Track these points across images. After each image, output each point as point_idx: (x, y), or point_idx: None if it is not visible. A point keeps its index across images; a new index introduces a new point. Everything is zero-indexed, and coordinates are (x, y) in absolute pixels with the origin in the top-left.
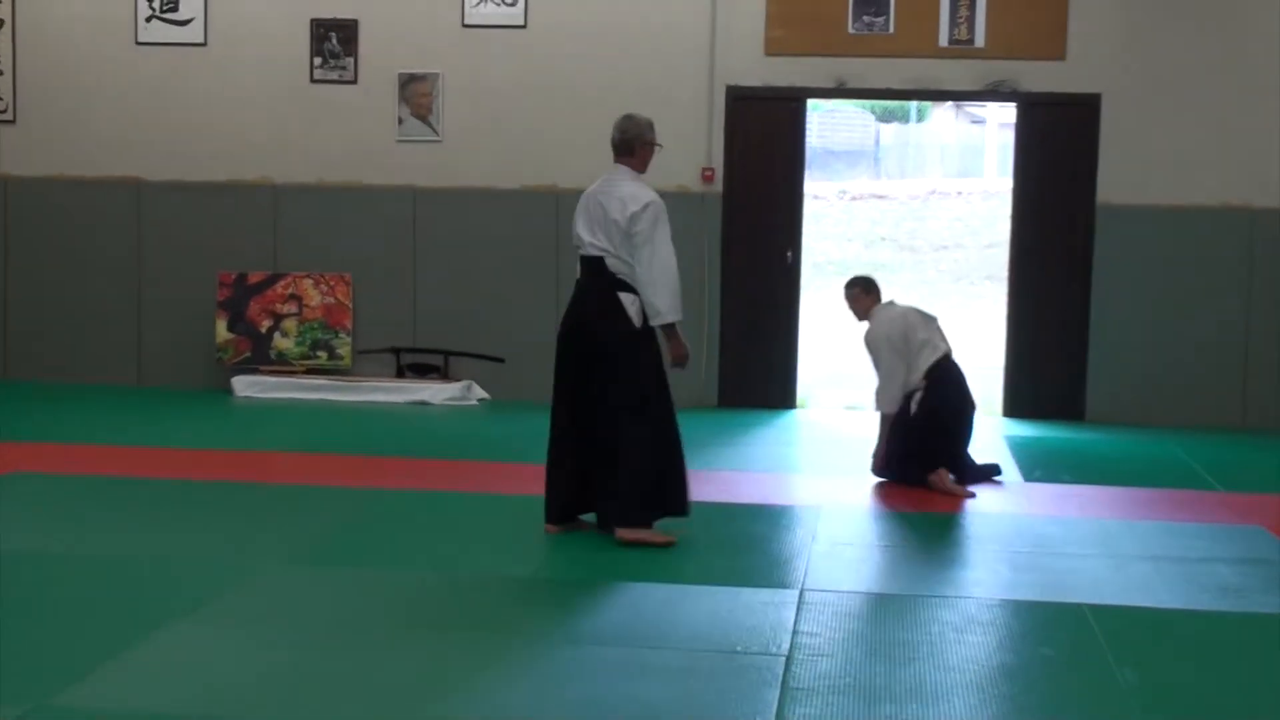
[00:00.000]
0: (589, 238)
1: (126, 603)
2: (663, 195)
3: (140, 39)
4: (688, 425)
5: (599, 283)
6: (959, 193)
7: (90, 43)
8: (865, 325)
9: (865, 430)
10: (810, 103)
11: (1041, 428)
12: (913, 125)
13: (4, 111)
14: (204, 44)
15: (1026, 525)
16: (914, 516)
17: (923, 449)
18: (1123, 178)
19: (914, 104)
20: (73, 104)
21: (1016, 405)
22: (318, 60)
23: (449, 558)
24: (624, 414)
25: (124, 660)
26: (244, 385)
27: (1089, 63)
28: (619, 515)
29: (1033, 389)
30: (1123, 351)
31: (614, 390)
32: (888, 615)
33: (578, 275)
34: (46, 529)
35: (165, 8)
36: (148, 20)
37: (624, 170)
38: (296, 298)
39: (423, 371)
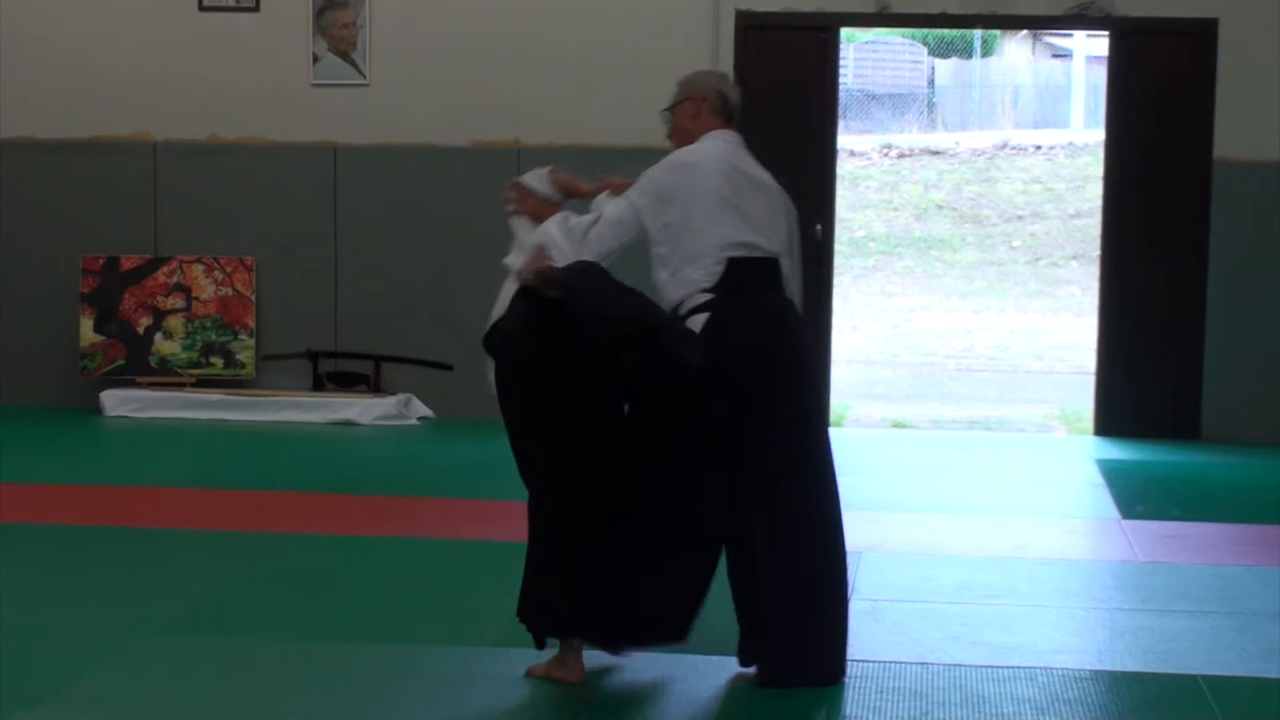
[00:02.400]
0: (770, 231)
1: None
2: (651, 152)
3: None
4: None
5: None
6: (1037, 147)
7: None
8: None
9: (917, 453)
10: (845, 33)
11: (1144, 449)
12: (976, 61)
13: None
14: None
15: (1125, 574)
16: (978, 562)
17: None
18: (1247, 126)
19: (978, 34)
20: None
21: (1112, 421)
22: None
23: (382, 624)
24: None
25: None
26: (116, 402)
27: None
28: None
29: (1133, 401)
30: (1247, 354)
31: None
32: (947, 691)
33: (723, 282)
34: None
35: None
36: None
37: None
38: (184, 289)
39: (348, 382)
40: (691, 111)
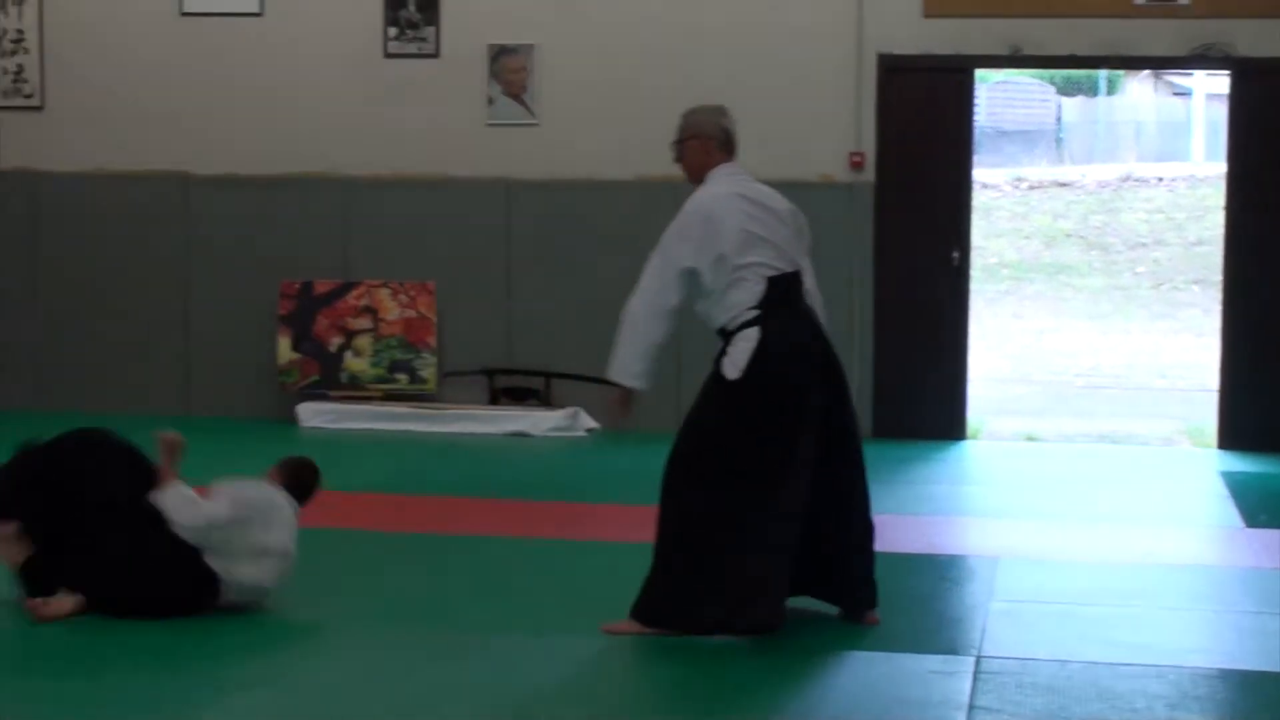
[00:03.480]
0: (787, 248)
1: (175, 677)
2: (804, 186)
3: (185, 9)
4: None
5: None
6: (1159, 179)
7: (128, 15)
8: None
9: (1050, 465)
10: (979, 73)
11: (1267, 462)
12: (1102, 99)
13: (30, 97)
14: (259, 13)
15: (1252, 580)
16: (1109, 567)
17: None
18: None
19: (1103, 74)
20: (109, 87)
21: (1235, 435)
22: (393, 31)
23: (559, 617)
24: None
25: None
26: (310, 414)
27: None
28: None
29: (1255, 414)
30: None
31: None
32: (1083, 688)
33: (766, 299)
34: None
35: None
36: None
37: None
38: (371, 310)
39: (520, 396)
40: (700, 149)
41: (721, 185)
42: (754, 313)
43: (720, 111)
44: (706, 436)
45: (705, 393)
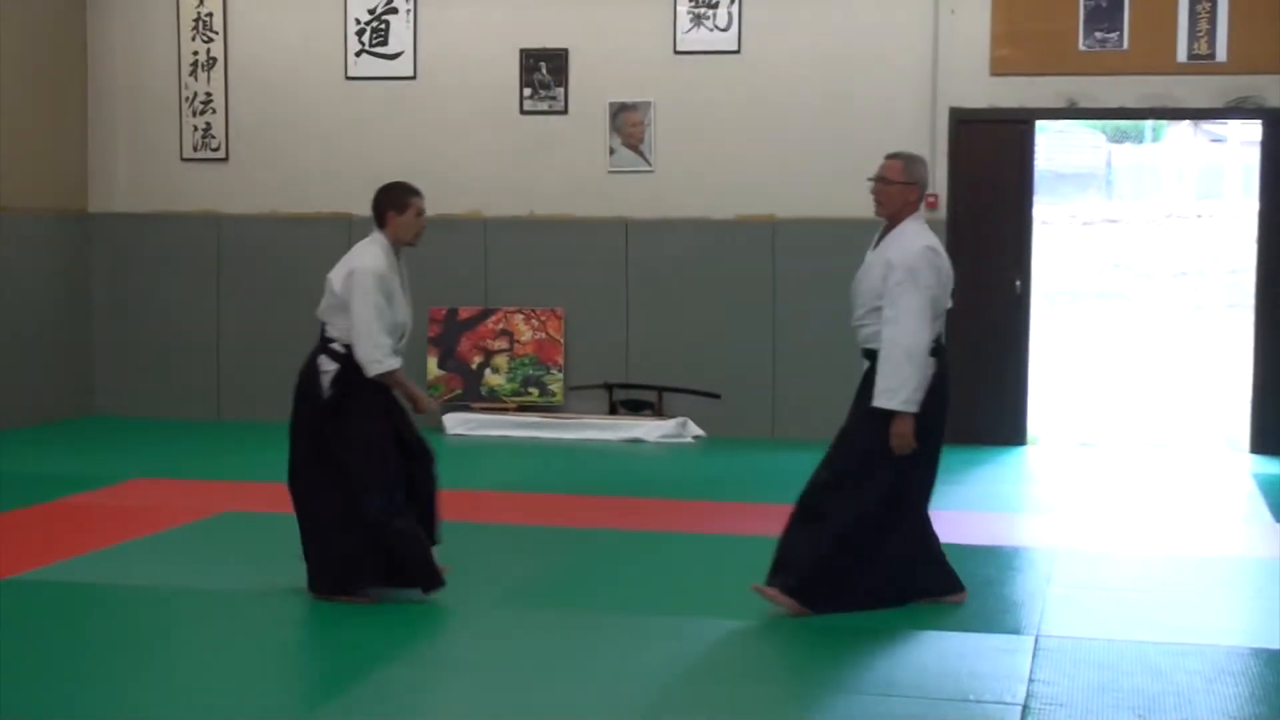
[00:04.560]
0: None
1: (337, 647)
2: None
3: (350, 74)
4: None
5: None
6: (1198, 216)
7: (300, 78)
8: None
9: (1101, 468)
10: (1039, 124)
11: None
12: (1147, 145)
13: (217, 150)
14: (413, 77)
15: (1277, 569)
16: (1153, 558)
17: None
18: None
19: (1148, 123)
20: (284, 141)
21: (1266, 439)
22: (527, 91)
23: (670, 600)
24: None
25: (338, 705)
26: (455, 423)
27: None
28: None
29: None
30: None
31: None
32: (1130, 664)
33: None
34: (263, 569)
35: (375, 41)
36: (357, 55)
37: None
38: (507, 333)
39: (636, 408)
40: (912, 196)
41: (927, 232)
42: (933, 345)
43: (925, 165)
44: (880, 451)
45: (871, 413)
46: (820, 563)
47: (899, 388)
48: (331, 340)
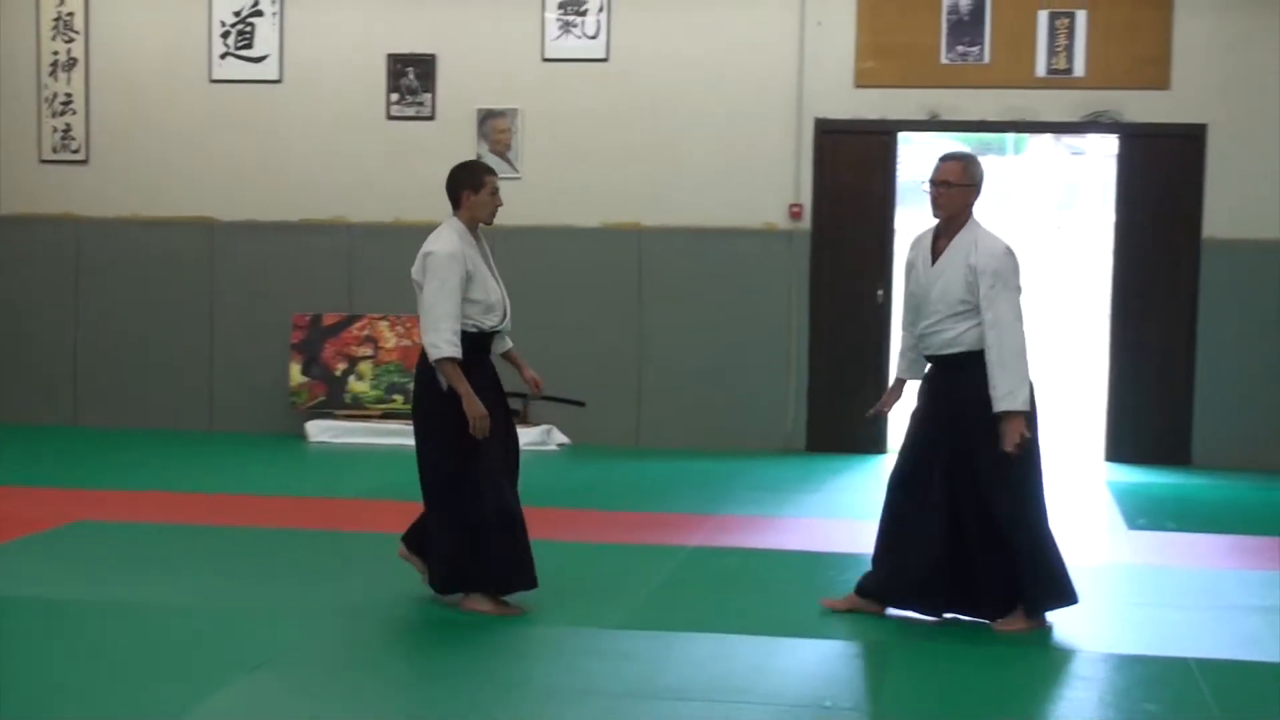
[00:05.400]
0: None
1: (199, 655)
2: (749, 232)
3: (214, 76)
4: (774, 470)
5: None
6: (1059, 227)
7: (163, 81)
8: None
9: None
10: (902, 135)
11: (1145, 473)
12: (1009, 158)
13: (77, 152)
14: (279, 81)
15: (1130, 575)
16: None
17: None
18: (1229, 211)
19: (1010, 136)
20: (146, 144)
21: (1119, 449)
22: (394, 96)
23: (540, 608)
24: None
25: (192, 717)
26: (318, 430)
27: (1194, 92)
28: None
29: (1136, 432)
30: (1231, 392)
31: None
32: (980, 668)
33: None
34: (110, 578)
35: (240, 44)
36: (221, 57)
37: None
38: (372, 340)
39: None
40: (972, 198)
41: (995, 233)
42: None
43: (981, 165)
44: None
45: (985, 419)
46: (1055, 564)
47: (1018, 389)
48: None
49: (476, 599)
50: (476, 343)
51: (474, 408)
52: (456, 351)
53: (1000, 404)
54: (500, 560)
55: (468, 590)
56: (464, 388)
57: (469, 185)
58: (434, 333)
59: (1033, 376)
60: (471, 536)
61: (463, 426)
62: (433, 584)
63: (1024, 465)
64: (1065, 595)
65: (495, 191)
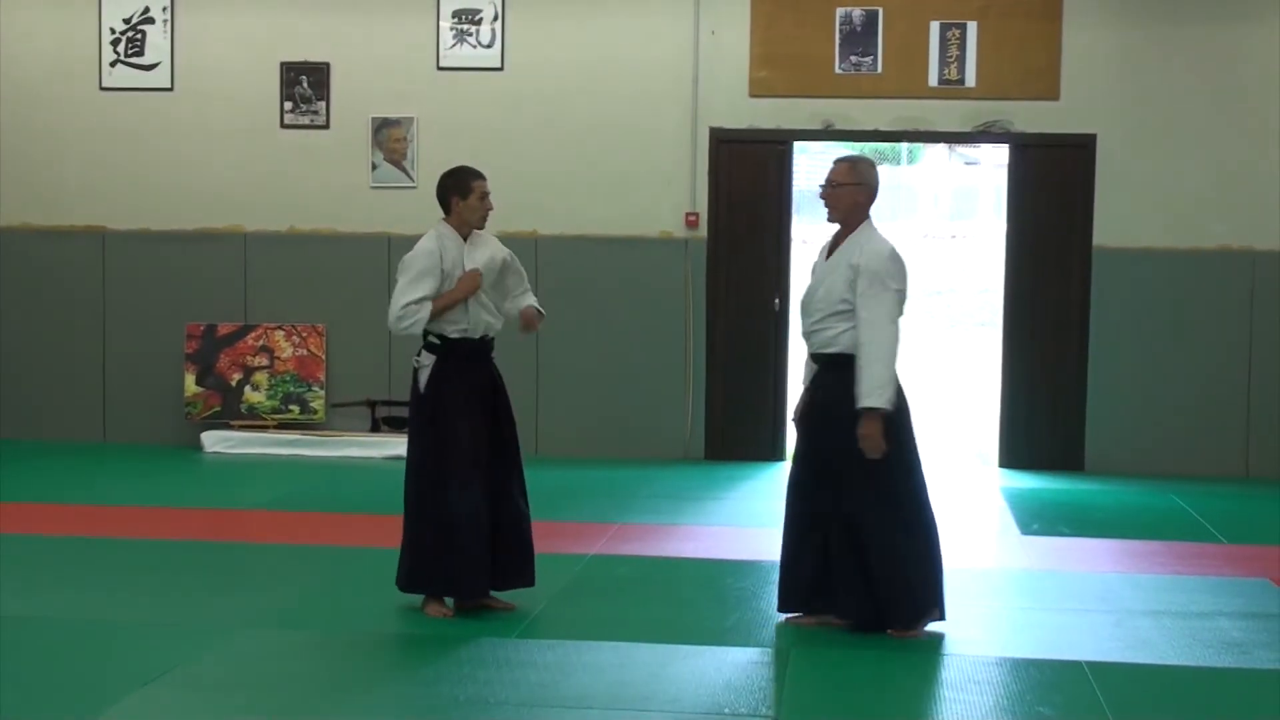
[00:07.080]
0: None
1: (92, 669)
2: (646, 241)
3: (104, 84)
4: (673, 479)
5: None
6: (953, 236)
7: (53, 88)
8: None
9: None
10: (797, 145)
11: (1038, 479)
12: (904, 167)
13: None
14: (170, 89)
15: (1023, 580)
16: None
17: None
18: (1119, 220)
19: (905, 146)
20: (35, 151)
21: (1012, 456)
22: (288, 105)
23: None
24: None
25: None
26: (213, 440)
27: (1083, 103)
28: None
29: (1029, 439)
30: (1122, 400)
31: None
32: (877, 673)
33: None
34: (4, 592)
35: (130, 52)
36: (112, 65)
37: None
38: (268, 350)
39: (399, 425)
40: (861, 198)
41: (884, 236)
42: None
43: (874, 166)
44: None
45: (843, 416)
46: (914, 575)
47: (882, 388)
48: (426, 334)
49: (431, 603)
50: (460, 349)
51: (463, 282)
52: (416, 303)
53: (862, 400)
54: (452, 564)
55: (425, 593)
56: (447, 298)
57: (456, 191)
58: (392, 307)
59: (902, 379)
60: (441, 538)
61: (440, 430)
62: (397, 581)
63: (892, 469)
64: (922, 611)
65: (485, 196)
